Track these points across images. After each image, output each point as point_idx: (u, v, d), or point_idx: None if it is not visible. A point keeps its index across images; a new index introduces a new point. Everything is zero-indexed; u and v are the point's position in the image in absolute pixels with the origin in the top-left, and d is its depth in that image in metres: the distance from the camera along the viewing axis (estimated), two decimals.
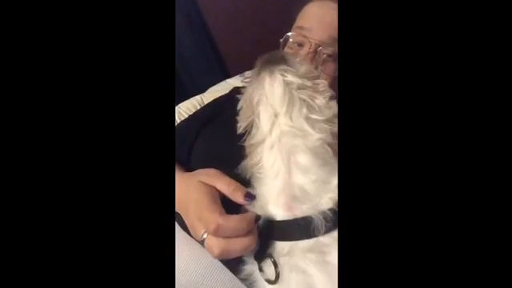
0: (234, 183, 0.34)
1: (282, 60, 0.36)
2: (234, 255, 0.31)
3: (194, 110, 0.82)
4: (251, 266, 0.33)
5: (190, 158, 0.46)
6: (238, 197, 0.33)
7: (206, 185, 0.33)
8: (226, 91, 0.73)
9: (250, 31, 1.09)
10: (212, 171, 0.35)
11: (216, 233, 0.30)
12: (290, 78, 0.34)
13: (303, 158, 0.31)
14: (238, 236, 0.30)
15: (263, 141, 0.33)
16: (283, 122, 0.32)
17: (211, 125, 0.51)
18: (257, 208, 0.33)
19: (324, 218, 0.30)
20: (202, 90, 1.00)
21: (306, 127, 0.31)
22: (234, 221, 0.31)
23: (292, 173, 0.31)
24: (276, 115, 0.33)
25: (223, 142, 0.45)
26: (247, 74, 0.97)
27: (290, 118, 0.32)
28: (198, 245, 0.35)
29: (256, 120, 0.34)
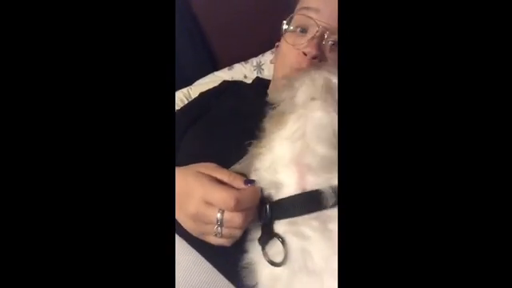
0: (232, 173, 0.34)
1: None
2: (251, 206, 0.32)
3: (180, 104, 0.80)
4: (254, 252, 0.34)
5: (177, 156, 0.46)
6: (238, 184, 0.33)
7: (205, 174, 0.33)
8: (214, 84, 0.72)
9: (239, 23, 1.07)
10: (210, 164, 0.35)
11: (237, 206, 0.30)
12: (331, 76, 0.37)
13: (325, 133, 0.33)
14: (251, 208, 0.32)
15: (293, 112, 0.35)
16: (317, 104, 0.35)
17: (200, 122, 0.51)
18: (268, 172, 0.34)
19: (333, 193, 0.32)
20: (189, 82, 0.99)
21: (334, 113, 0.34)
22: (249, 191, 0.32)
23: (312, 142, 0.33)
24: (312, 99, 0.35)
25: (213, 141, 0.45)
26: (235, 66, 0.97)
27: (325, 101, 0.34)
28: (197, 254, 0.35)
29: (293, 96, 0.36)
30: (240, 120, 0.41)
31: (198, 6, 1.06)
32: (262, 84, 0.63)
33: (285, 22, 0.50)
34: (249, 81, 0.74)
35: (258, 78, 0.76)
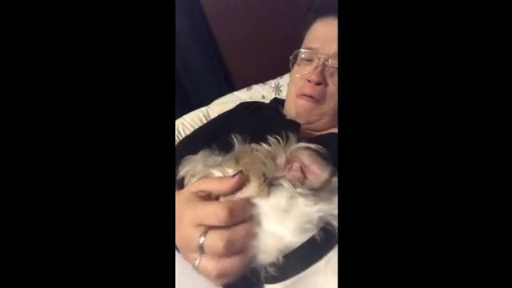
0: (220, 177, 0.33)
1: None
2: (238, 245, 0.29)
3: (199, 123, 0.81)
4: None
5: None
6: (228, 181, 0.31)
7: (196, 193, 0.32)
8: (232, 104, 0.73)
9: (257, 44, 1.10)
10: (200, 180, 0.35)
11: (231, 216, 0.28)
12: None
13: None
14: (241, 221, 0.29)
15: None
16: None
17: (215, 143, 0.51)
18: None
19: (324, 235, 0.29)
20: (207, 101, 1.01)
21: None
22: (240, 201, 0.30)
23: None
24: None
25: None
26: (254, 87, 0.98)
27: None
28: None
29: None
30: (260, 139, 0.41)
31: (217, 27, 1.10)
32: (279, 104, 0.64)
33: (291, 57, 0.61)
34: (266, 101, 0.74)
35: (275, 98, 0.77)
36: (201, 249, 0.28)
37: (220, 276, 0.29)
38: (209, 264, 0.28)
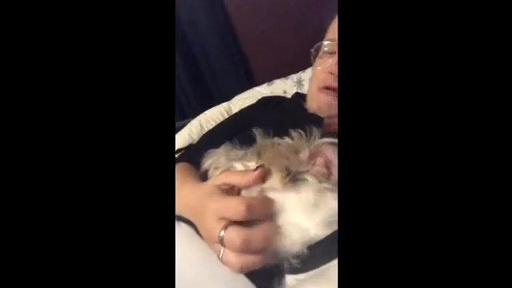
0: (242, 171, 0.34)
1: None
2: (255, 245, 0.29)
3: (220, 118, 0.82)
4: None
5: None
6: (249, 175, 0.32)
7: (219, 186, 0.33)
8: (254, 99, 0.73)
9: (278, 39, 1.09)
10: (223, 173, 0.35)
11: (248, 211, 0.28)
12: None
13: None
14: (260, 220, 0.30)
15: None
16: None
17: (237, 137, 0.51)
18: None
19: None
20: (228, 97, 1.01)
21: None
22: (260, 198, 0.30)
23: None
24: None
25: None
26: (275, 82, 0.97)
27: None
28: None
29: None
30: (282, 133, 0.40)
31: (238, 22, 1.10)
32: (301, 98, 0.64)
33: (313, 49, 0.61)
34: (288, 96, 0.74)
35: (297, 93, 0.76)
36: (221, 242, 0.29)
37: (243, 269, 0.29)
38: (232, 257, 0.29)
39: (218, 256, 0.30)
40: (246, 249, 0.28)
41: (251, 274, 0.32)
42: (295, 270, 0.30)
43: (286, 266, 0.31)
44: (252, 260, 0.29)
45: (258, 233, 0.29)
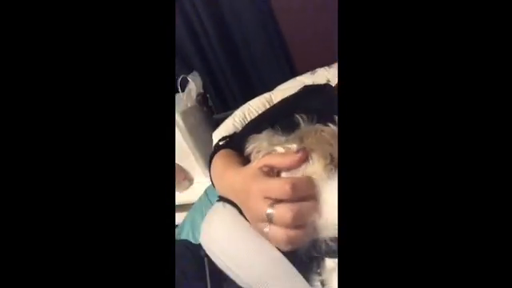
0: (283, 153, 0.34)
1: None
2: (306, 217, 0.30)
3: (262, 108, 0.84)
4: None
5: None
6: (290, 158, 0.33)
7: (261, 168, 0.34)
8: (295, 89, 0.73)
9: (320, 28, 1.05)
10: (265, 156, 0.36)
11: (293, 190, 0.30)
12: None
13: None
14: (305, 198, 0.31)
15: None
16: None
17: (278, 124, 0.52)
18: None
19: None
20: (270, 87, 1.02)
21: None
22: (303, 179, 0.31)
23: None
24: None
25: None
26: (318, 70, 0.95)
27: None
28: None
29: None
30: (326, 120, 0.40)
31: (280, 11, 1.09)
32: None
33: None
34: (332, 84, 0.71)
35: None
36: (270, 219, 0.30)
37: (289, 242, 0.31)
38: (278, 231, 0.31)
39: (263, 233, 0.32)
40: (297, 222, 0.30)
41: (291, 257, 0.33)
42: (334, 253, 0.31)
43: (324, 248, 0.31)
44: (297, 234, 0.30)
45: (304, 208, 0.30)
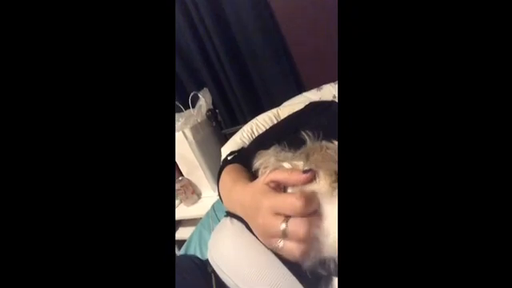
0: (290, 169, 0.35)
1: None
2: (318, 232, 0.31)
3: (270, 123, 0.85)
4: None
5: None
6: (297, 175, 0.33)
7: (268, 184, 0.35)
8: (302, 105, 0.74)
9: (327, 45, 1.08)
10: (272, 172, 0.37)
11: (305, 207, 0.30)
12: None
13: None
14: (313, 213, 0.31)
15: None
16: None
17: (285, 140, 0.53)
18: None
19: None
20: (277, 103, 1.04)
21: None
22: (311, 194, 0.32)
23: None
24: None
25: None
26: (324, 87, 0.97)
27: None
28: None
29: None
30: (331, 137, 0.41)
31: (288, 29, 1.12)
32: None
33: None
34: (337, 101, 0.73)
35: None
36: (284, 234, 0.31)
37: (303, 255, 0.31)
38: (292, 245, 0.31)
39: (277, 248, 0.32)
40: (308, 237, 0.30)
41: (299, 275, 0.33)
42: None
43: (333, 267, 0.31)
44: (310, 248, 0.31)
45: (315, 223, 0.31)
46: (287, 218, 0.31)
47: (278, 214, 0.32)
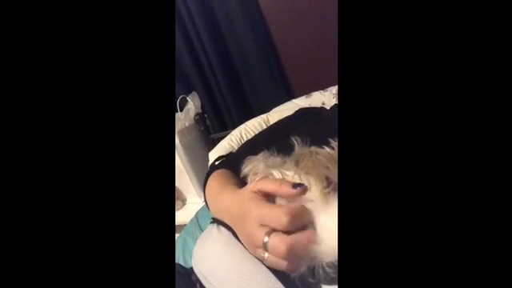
0: (280, 180, 0.34)
1: None
2: (300, 250, 0.29)
3: (259, 128, 0.85)
4: None
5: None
6: (287, 188, 0.32)
7: (257, 193, 0.34)
8: (291, 111, 0.74)
9: (317, 52, 1.09)
10: (261, 180, 0.36)
11: (291, 223, 0.29)
12: None
13: None
14: (302, 228, 0.30)
15: None
16: None
17: (274, 146, 0.52)
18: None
19: None
20: (267, 109, 1.04)
21: None
22: (300, 209, 0.31)
23: None
24: None
25: None
26: (313, 94, 0.98)
27: None
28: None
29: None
30: (321, 142, 0.41)
31: (278, 35, 1.13)
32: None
33: None
34: (327, 108, 0.73)
35: (336, 104, 0.75)
36: (265, 247, 0.30)
37: (288, 268, 0.30)
38: (275, 259, 0.30)
39: (263, 259, 0.31)
40: (288, 255, 0.29)
41: (287, 283, 0.32)
42: (331, 281, 0.30)
43: (322, 274, 0.30)
44: (293, 264, 0.30)
45: (300, 240, 0.29)
46: (271, 231, 0.30)
47: (263, 225, 0.31)
